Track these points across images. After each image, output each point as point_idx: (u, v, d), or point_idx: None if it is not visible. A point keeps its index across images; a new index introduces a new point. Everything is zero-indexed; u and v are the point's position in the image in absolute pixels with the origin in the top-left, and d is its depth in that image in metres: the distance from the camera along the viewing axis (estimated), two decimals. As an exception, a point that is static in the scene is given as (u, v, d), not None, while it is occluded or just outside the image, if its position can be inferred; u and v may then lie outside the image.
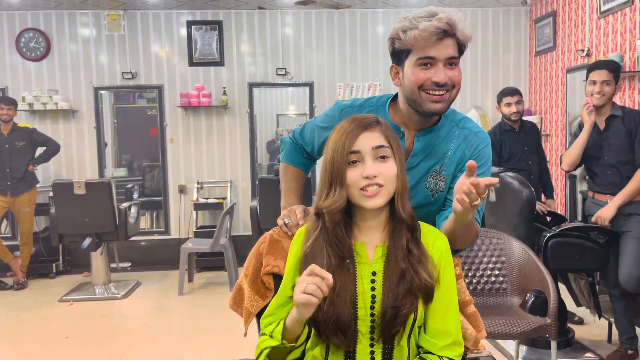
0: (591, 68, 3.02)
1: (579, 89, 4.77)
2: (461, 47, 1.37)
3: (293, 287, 1.20)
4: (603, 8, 4.21)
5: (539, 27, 5.40)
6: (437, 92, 1.34)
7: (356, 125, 1.20)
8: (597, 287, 3.24)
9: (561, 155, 3.24)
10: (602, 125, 3.00)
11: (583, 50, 4.49)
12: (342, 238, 1.19)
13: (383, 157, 1.19)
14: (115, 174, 6.68)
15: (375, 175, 1.16)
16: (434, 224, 1.50)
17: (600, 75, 2.93)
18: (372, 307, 1.18)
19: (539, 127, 4.49)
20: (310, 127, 1.61)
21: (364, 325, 1.19)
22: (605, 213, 2.92)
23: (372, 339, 1.19)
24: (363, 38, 5.67)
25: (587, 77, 3.03)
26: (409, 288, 1.16)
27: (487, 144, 1.46)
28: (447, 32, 1.31)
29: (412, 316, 1.18)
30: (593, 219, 2.99)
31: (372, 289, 1.19)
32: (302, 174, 1.68)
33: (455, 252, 1.35)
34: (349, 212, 1.23)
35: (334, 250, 1.19)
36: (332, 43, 5.67)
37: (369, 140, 1.19)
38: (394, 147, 1.22)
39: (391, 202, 1.21)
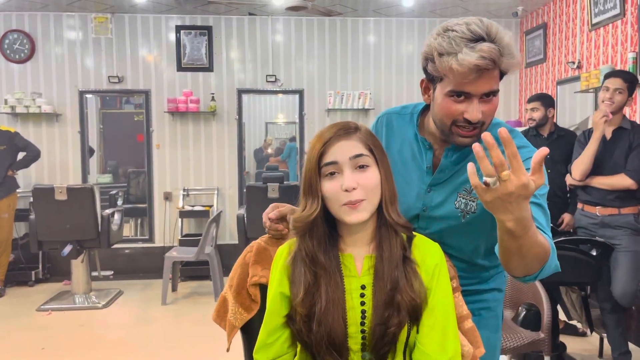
0: (607, 75, 3.02)
1: (569, 100, 4.77)
2: (504, 72, 1.20)
3: (286, 316, 1.13)
4: (594, 20, 4.21)
5: (529, 39, 5.41)
6: (468, 128, 1.19)
7: (334, 132, 1.12)
8: (588, 300, 3.20)
9: (569, 165, 3.19)
10: (609, 136, 2.99)
11: (574, 63, 4.49)
12: (313, 252, 1.12)
13: (362, 167, 1.11)
14: (100, 180, 6.57)
15: (355, 188, 1.09)
16: (470, 256, 1.35)
17: (614, 82, 2.92)
18: (362, 324, 1.11)
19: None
20: None
21: (354, 343, 1.11)
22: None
23: (363, 357, 1.12)
24: (354, 46, 5.63)
25: (602, 84, 3.02)
26: (395, 303, 1.08)
27: (526, 159, 1.22)
28: (489, 68, 1.13)
29: (404, 334, 1.10)
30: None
31: (362, 303, 1.12)
32: None
33: (519, 279, 1.13)
34: (334, 224, 1.15)
35: (307, 266, 1.11)
36: (323, 51, 5.63)
37: (346, 150, 1.10)
38: (377, 154, 1.14)
39: (379, 211, 1.13)
